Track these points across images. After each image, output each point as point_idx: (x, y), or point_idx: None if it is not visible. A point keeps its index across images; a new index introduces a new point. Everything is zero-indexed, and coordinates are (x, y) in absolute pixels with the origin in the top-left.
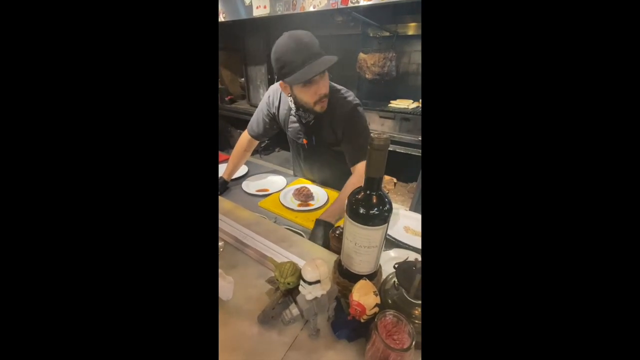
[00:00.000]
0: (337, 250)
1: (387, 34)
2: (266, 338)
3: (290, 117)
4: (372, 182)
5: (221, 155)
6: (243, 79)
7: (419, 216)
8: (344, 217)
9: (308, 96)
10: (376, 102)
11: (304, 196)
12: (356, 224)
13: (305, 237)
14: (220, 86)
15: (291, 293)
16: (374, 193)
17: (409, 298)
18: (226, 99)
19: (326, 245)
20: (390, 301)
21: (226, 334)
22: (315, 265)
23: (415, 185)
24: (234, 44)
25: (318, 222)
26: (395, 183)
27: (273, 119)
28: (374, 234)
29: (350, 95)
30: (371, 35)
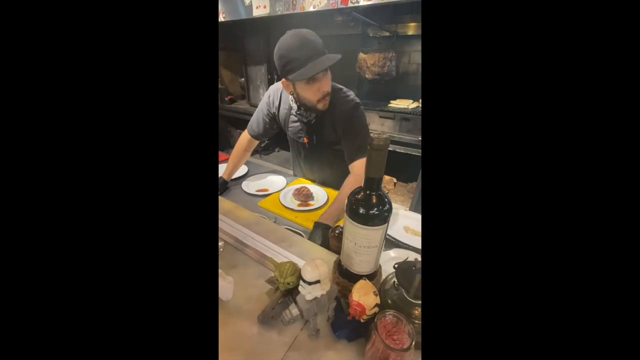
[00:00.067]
0: (337, 250)
1: (387, 34)
2: (266, 338)
3: (291, 116)
4: (372, 182)
5: (221, 155)
6: (243, 79)
7: (418, 216)
8: (342, 217)
9: (311, 94)
10: (376, 102)
11: (304, 196)
12: (356, 224)
13: (305, 237)
14: (220, 86)
15: (291, 293)
16: (374, 193)
17: (408, 298)
18: (226, 99)
19: (326, 245)
20: (390, 301)
21: (226, 334)
22: (315, 265)
23: (415, 185)
24: (233, 44)
25: (317, 225)
26: (395, 183)
27: (273, 119)
28: (373, 234)
29: (351, 95)
30: (371, 35)
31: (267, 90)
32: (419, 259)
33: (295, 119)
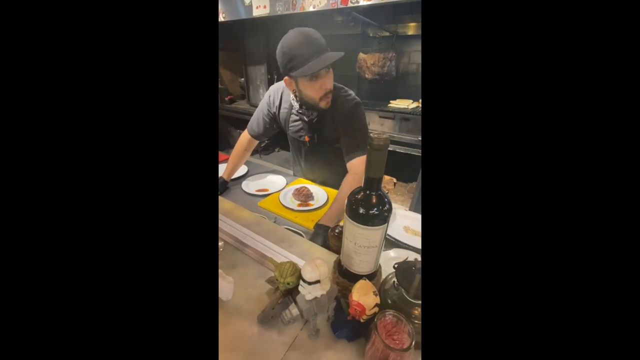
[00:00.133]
0: (337, 250)
1: (387, 34)
2: (266, 338)
3: (292, 115)
4: (372, 182)
5: (221, 155)
6: (243, 79)
7: (418, 216)
8: (343, 217)
9: (314, 91)
10: (376, 102)
11: (304, 196)
12: (356, 224)
13: (305, 237)
14: (220, 86)
15: (291, 293)
16: (374, 193)
17: (408, 298)
18: (226, 99)
19: (326, 245)
20: (389, 301)
21: (226, 334)
22: (315, 265)
23: (415, 185)
24: (233, 44)
25: (318, 227)
26: (395, 183)
27: (273, 119)
28: (373, 234)
29: (352, 94)
30: (371, 35)
31: (267, 90)
32: (419, 259)
33: (297, 117)
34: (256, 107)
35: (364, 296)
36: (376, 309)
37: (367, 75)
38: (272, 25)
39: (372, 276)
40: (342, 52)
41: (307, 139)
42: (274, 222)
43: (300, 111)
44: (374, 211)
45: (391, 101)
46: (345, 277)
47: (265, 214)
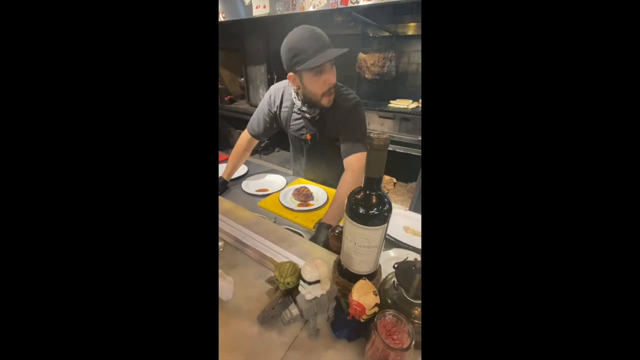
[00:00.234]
0: (337, 250)
1: (387, 34)
2: (266, 338)
3: (293, 114)
4: (372, 182)
5: (221, 155)
6: (243, 79)
7: (418, 216)
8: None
9: (317, 86)
10: (376, 102)
11: (304, 196)
12: (356, 224)
13: (305, 237)
14: (220, 86)
15: (291, 293)
16: (374, 193)
17: (408, 298)
18: (226, 98)
19: (326, 245)
20: (389, 301)
21: (226, 334)
22: (314, 265)
23: (415, 185)
24: (233, 44)
25: (320, 225)
26: (394, 183)
27: (274, 119)
28: (373, 234)
29: (352, 93)
30: (371, 35)
31: (266, 90)
32: (419, 258)
33: (298, 116)
34: (256, 107)
35: (364, 296)
36: (376, 309)
37: (367, 75)
38: (272, 25)
39: (372, 276)
40: (347, 48)
41: (308, 137)
42: (274, 222)
43: (302, 109)
44: (374, 211)
45: (391, 101)
46: (345, 277)
47: (265, 214)
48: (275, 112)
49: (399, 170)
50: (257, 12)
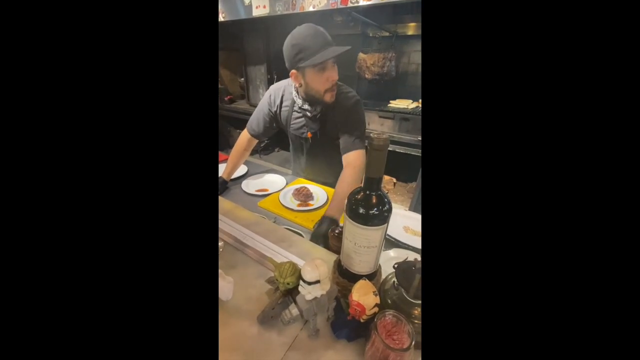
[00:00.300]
0: (337, 250)
1: (387, 34)
2: (266, 338)
3: (294, 113)
4: (372, 182)
5: (220, 155)
6: (242, 79)
7: (418, 216)
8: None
9: (320, 83)
10: (376, 102)
11: (304, 196)
12: (356, 224)
13: (305, 237)
14: (219, 86)
15: (291, 293)
16: (374, 193)
17: (408, 298)
18: (225, 98)
19: (326, 245)
20: (389, 301)
21: (226, 334)
22: (314, 265)
23: (415, 185)
24: (233, 44)
25: (324, 219)
26: (394, 183)
27: (274, 118)
28: (373, 234)
29: (352, 91)
30: (371, 35)
31: (266, 90)
32: (419, 258)
33: (299, 114)
34: (256, 107)
35: (363, 296)
36: (376, 309)
37: (366, 75)
38: (272, 25)
39: (372, 276)
40: (349, 46)
41: (309, 135)
42: (274, 222)
43: (303, 107)
44: (374, 211)
45: (391, 101)
46: (345, 277)
47: (265, 214)
48: (276, 111)
49: (399, 170)
50: (257, 12)
